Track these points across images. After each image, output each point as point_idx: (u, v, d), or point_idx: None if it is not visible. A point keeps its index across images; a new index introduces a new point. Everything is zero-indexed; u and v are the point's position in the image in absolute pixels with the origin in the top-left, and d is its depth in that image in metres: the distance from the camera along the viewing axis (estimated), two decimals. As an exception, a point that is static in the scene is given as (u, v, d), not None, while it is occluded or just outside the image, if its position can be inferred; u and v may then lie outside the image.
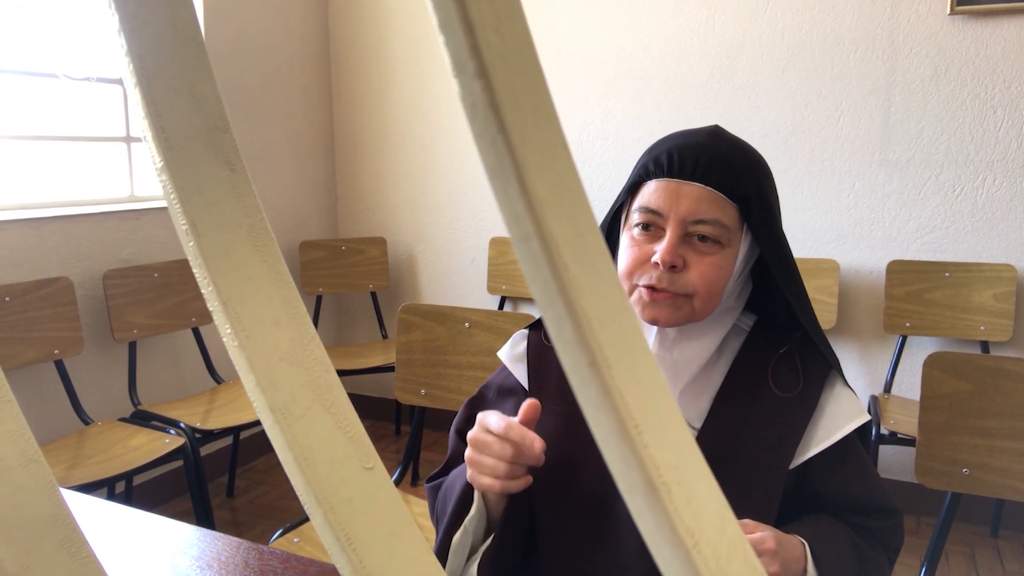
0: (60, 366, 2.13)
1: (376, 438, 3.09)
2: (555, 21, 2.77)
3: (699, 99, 2.60)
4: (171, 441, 1.98)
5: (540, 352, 0.94)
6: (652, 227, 0.82)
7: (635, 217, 0.83)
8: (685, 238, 0.80)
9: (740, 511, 0.72)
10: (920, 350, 2.43)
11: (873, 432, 2.07)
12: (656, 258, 0.79)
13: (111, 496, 2.14)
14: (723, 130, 0.85)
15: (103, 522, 0.90)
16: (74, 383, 2.16)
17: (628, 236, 0.84)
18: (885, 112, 2.38)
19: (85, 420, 2.13)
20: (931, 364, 1.29)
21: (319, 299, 3.05)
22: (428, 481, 0.95)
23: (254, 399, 0.24)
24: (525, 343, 0.95)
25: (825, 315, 2.41)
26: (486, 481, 0.77)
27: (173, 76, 0.23)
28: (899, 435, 2.04)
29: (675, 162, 0.81)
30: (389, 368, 2.62)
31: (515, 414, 0.78)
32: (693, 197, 0.79)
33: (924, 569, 1.32)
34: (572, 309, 0.16)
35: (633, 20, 2.66)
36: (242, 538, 0.85)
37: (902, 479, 2.42)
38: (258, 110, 2.86)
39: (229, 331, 0.23)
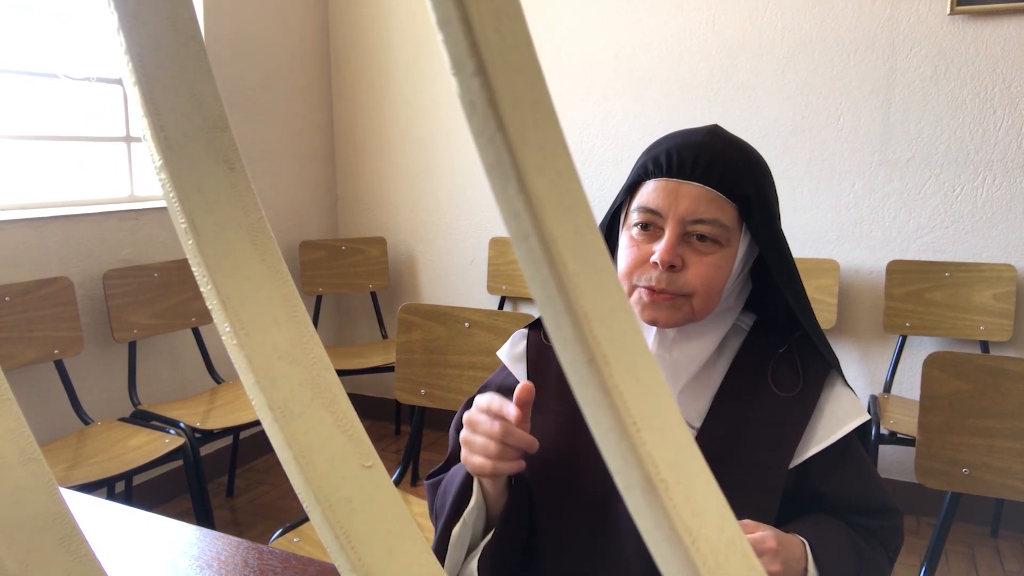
0: (60, 366, 2.13)
1: (376, 438, 3.09)
2: (555, 21, 2.77)
3: (699, 99, 2.60)
4: (171, 441, 1.98)
5: (540, 351, 0.94)
6: (651, 227, 0.82)
7: (634, 217, 0.83)
8: (684, 238, 0.80)
9: (740, 511, 0.72)
10: (920, 350, 2.43)
11: (873, 432, 2.07)
12: (655, 258, 0.79)
13: (111, 496, 2.14)
14: (722, 129, 0.85)
15: (103, 522, 0.90)
16: (74, 383, 2.16)
17: (627, 236, 0.84)
18: (885, 112, 2.38)
19: (85, 420, 2.13)
20: (931, 364, 1.29)
21: (319, 299, 3.05)
22: (428, 478, 0.95)
23: (253, 397, 0.24)
24: (525, 343, 0.96)
25: (825, 315, 2.41)
26: (477, 460, 0.78)
27: (172, 75, 0.23)
28: (899, 435, 2.04)
29: (674, 162, 0.81)
30: (389, 368, 2.62)
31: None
32: (692, 197, 0.79)
33: (924, 569, 1.32)
34: (571, 307, 0.16)
35: (633, 20, 2.66)
36: (242, 538, 0.85)
37: (902, 479, 2.42)
38: (258, 110, 2.86)
39: (228, 330, 0.23)
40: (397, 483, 1.61)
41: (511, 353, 0.96)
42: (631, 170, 0.86)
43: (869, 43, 2.37)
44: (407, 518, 0.25)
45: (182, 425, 2.07)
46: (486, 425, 0.77)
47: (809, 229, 2.52)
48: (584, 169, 2.79)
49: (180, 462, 2.03)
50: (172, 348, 2.56)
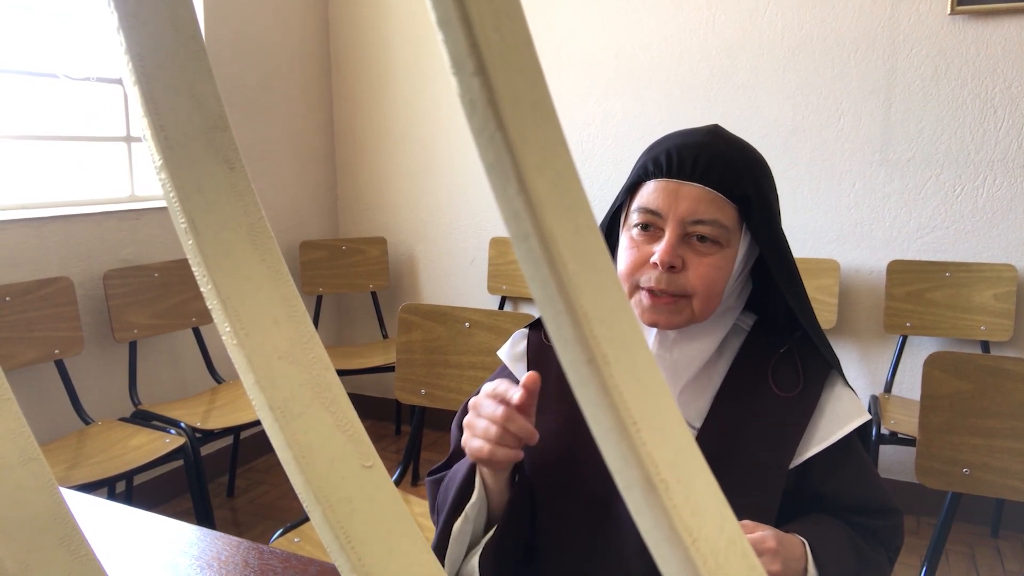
0: (60, 366, 2.13)
1: (376, 438, 3.09)
2: (555, 21, 2.77)
3: (699, 99, 2.60)
4: (171, 441, 1.98)
5: (540, 351, 0.94)
6: (651, 227, 0.82)
7: (634, 217, 0.83)
8: (684, 238, 0.80)
9: (740, 511, 0.72)
10: (920, 350, 2.43)
11: (873, 432, 2.06)
12: (655, 259, 0.79)
13: (112, 496, 2.14)
14: (723, 129, 0.85)
15: (103, 521, 0.90)
16: (74, 383, 2.16)
17: (627, 236, 0.84)
18: (885, 112, 2.38)
19: (85, 420, 2.13)
20: (931, 364, 1.29)
21: (319, 299, 3.05)
22: (429, 475, 0.95)
23: (253, 397, 0.24)
24: (525, 342, 0.96)
25: (825, 315, 2.41)
26: (476, 444, 0.77)
27: (172, 75, 0.23)
28: (899, 435, 2.04)
29: (674, 162, 0.81)
30: (389, 368, 2.62)
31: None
32: (692, 197, 0.79)
33: (924, 569, 1.32)
34: (571, 307, 0.16)
35: (633, 20, 2.66)
36: (242, 538, 0.85)
37: (902, 479, 2.42)
38: (258, 110, 2.86)
39: (228, 329, 0.23)
40: (397, 483, 1.61)
41: (511, 353, 0.96)
42: (631, 170, 0.86)
43: (869, 43, 2.37)
44: (407, 518, 0.25)
45: (182, 425, 2.07)
46: (490, 408, 0.77)
47: (809, 229, 2.52)
48: (584, 169, 2.79)
49: (180, 462, 2.03)
50: (172, 348, 2.56)
